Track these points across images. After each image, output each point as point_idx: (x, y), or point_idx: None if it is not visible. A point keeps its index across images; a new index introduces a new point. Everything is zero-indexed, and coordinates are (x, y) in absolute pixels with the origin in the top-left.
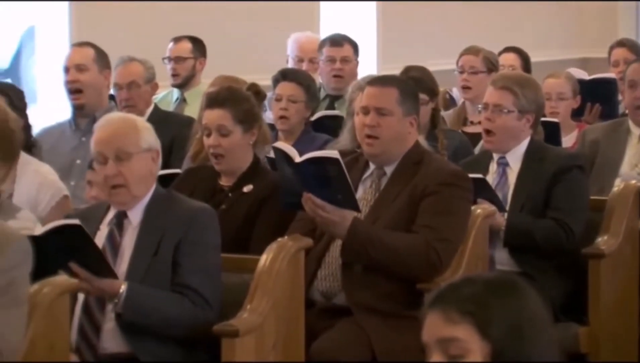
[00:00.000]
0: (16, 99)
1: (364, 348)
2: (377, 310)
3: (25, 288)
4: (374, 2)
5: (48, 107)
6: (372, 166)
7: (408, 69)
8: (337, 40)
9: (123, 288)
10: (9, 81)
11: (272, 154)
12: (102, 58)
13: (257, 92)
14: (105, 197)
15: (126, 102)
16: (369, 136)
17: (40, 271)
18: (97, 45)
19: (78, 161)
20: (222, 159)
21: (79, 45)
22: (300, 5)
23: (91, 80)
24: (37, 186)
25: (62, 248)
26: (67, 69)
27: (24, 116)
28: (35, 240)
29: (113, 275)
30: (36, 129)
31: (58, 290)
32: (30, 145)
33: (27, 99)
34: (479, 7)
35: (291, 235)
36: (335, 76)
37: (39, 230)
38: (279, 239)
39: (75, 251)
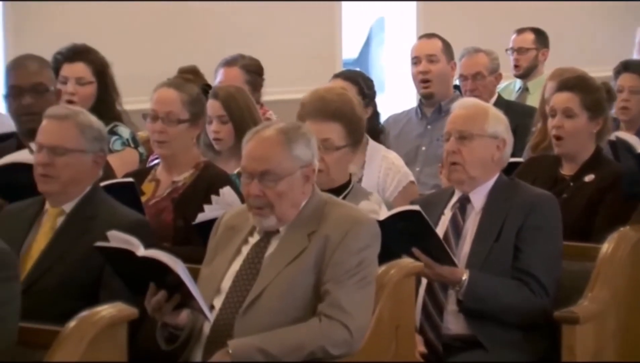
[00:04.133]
0: (366, 87)
1: None
2: None
3: (373, 269)
4: None
5: (395, 96)
6: None
7: None
8: None
9: (465, 276)
10: (357, 69)
11: None
12: (448, 49)
13: (608, 91)
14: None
15: (471, 93)
16: None
17: (383, 255)
18: (442, 36)
19: (423, 148)
20: (562, 141)
21: (427, 36)
22: None
23: (440, 71)
24: (385, 171)
25: (405, 233)
26: (417, 60)
27: (373, 104)
28: (380, 225)
29: (452, 262)
30: (384, 116)
31: (404, 272)
32: (379, 132)
33: (376, 88)
34: None
35: (633, 224)
36: None
37: (384, 214)
38: (621, 228)
39: (417, 237)
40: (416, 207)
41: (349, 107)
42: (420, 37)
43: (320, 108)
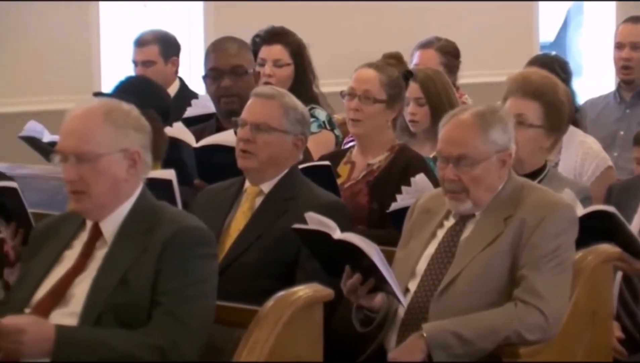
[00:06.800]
0: (561, 70)
1: None
2: None
3: (570, 254)
4: None
5: (594, 80)
6: None
7: None
8: None
9: None
10: (553, 53)
11: None
12: None
13: None
14: None
15: None
16: None
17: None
18: None
19: (621, 133)
20: None
21: (633, 20)
22: None
23: None
24: (582, 156)
25: (597, 229)
26: (620, 45)
27: (569, 86)
28: None
29: None
30: (582, 101)
31: (602, 258)
32: (574, 111)
33: (573, 72)
34: None
35: None
36: None
37: (578, 211)
38: None
39: (610, 234)
40: (611, 209)
41: (551, 89)
42: (626, 21)
43: (522, 85)
